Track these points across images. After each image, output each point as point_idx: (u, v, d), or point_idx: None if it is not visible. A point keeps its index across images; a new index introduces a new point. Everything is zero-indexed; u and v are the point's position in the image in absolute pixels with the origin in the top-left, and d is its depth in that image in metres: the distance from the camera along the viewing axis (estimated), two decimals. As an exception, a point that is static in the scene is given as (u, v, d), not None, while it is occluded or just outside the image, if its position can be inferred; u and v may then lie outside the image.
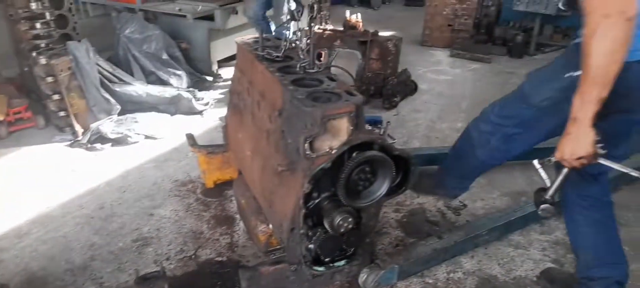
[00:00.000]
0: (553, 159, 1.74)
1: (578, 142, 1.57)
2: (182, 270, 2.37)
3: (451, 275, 2.36)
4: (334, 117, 1.70)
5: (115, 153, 3.44)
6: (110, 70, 3.67)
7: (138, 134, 3.51)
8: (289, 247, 1.90)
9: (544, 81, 1.90)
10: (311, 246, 1.90)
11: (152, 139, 3.61)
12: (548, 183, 1.84)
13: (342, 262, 2.03)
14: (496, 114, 2.15)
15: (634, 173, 1.71)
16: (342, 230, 1.82)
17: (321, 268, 2.00)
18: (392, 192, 1.93)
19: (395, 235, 2.65)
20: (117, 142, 3.48)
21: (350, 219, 1.82)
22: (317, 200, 1.86)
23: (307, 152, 1.71)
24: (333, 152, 1.74)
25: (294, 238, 1.88)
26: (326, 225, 1.84)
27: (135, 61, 3.96)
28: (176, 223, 2.71)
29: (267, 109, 2.04)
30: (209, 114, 4.06)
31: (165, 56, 4.12)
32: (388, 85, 4.35)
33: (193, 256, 2.46)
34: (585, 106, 1.52)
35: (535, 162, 1.85)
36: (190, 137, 2.89)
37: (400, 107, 4.42)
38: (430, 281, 2.32)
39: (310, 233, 1.89)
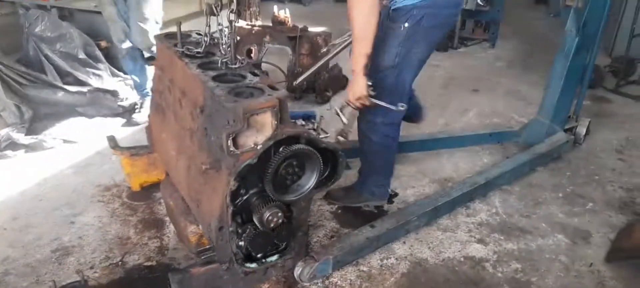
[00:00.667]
0: (344, 104, 2.44)
1: (357, 87, 2.22)
2: (108, 278, 2.24)
3: (384, 261, 2.42)
4: (257, 112, 1.67)
5: (30, 161, 3.19)
6: (19, 71, 3.39)
7: (54, 138, 3.27)
8: (219, 246, 1.85)
9: (384, 47, 2.29)
10: (241, 243, 1.87)
11: (71, 143, 3.38)
12: (346, 122, 2.50)
13: (275, 257, 2.02)
14: (372, 112, 2.42)
15: (392, 107, 2.28)
16: (272, 225, 1.80)
17: (253, 265, 1.97)
18: (321, 184, 1.93)
19: (330, 227, 2.67)
20: (31, 148, 3.23)
21: (279, 214, 1.80)
22: (245, 197, 1.82)
23: (231, 149, 1.67)
24: (258, 147, 1.72)
25: (223, 237, 1.83)
26: (256, 222, 1.81)
27: (48, 61, 3.68)
28: (100, 230, 2.56)
29: (188, 107, 1.97)
30: (134, 115, 3.87)
31: (82, 55, 3.86)
32: (320, 80, 4.37)
33: (120, 263, 2.34)
34: (357, 60, 2.16)
35: (335, 107, 2.55)
36: (111, 139, 2.73)
37: (333, 102, 4.45)
38: (365, 269, 2.36)
39: (240, 231, 1.85)
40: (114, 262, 2.35)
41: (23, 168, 3.09)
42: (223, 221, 1.79)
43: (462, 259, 2.46)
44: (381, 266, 2.39)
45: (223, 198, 1.74)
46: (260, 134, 1.72)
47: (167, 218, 2.62)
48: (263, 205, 1.79)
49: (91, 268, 2.30)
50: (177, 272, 2.03)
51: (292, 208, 1.95)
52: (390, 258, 2.45)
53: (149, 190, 2.84)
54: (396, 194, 3.00)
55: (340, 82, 4.73)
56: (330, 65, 4.67)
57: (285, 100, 1.77)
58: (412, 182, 3.15)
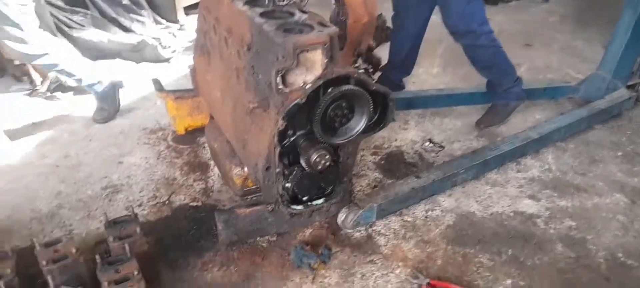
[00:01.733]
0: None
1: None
2: (155, 216, 2.29)
3: (429, 213, 2.36)
4: (307, 48, 1.60)
5: (77, 102, 3.26)
6: (67, 15, 3.42)
7: (101, 82, 3.31)
8: (265, 186, 1.83)
9: None
10: (288, 185, 1.84)
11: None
12: None
13: (320, 201, 1.99)
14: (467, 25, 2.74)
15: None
16: (319, 167, 1.76)
17: (299, 207, 1.95)
18: (370, 129, 1.87)
19: (373, 177, 2.62)
20: (79, 90, 3.29)
21: (327, 156, 1.76)
22: (292, 138, 1.78)
23: (280, 87, 1.62)
24: (307, 86, 1.66)
25: (270, 177, 1.81)
26: (303, 163, 1.77)
27: (93, 6, 3.70)
28: (147, 171, 2.61)
29: (235, 45, 1.91)
30: (177, 62, 3.88)
31: (126, 1, 3.86)
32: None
33: (167, 202, 2.38)
34: None
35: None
36: (156, 82, 2.74)
37: (376, 53, 4.31)
38: (409, 219, 2.31)
39: (286, 172, 1.83)
40: (161, 201, 2.39)
41: (72, 110, 3.17)
42: (270, 161, 1.76)
43: (511, 214, 2.37)
44: (426, 217, 2.34)
45: (271, 137, 1.71)
46: (309, 72, 1.66)
47: (212, 162, 2.64)
48: (311, 146, 1.74)
49: (139, 205, 2.36)
50: (223, 212, 2.04)
51: (339, 152, 1.90)
52: (435, 209, 2.39)
53: (193, 134, 2.86)
54: (442, 147, 2.90)
55: (384, 33, 4.56)
56: (374, 15, 4.51)
57: (336, 38, 1.69)
58: (459, 136, 3.03)
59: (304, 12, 1.85)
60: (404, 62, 3.18)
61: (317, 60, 1.65)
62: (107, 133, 2.95)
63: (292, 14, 1.82)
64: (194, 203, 2.38)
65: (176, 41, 4.04)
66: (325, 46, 1.62)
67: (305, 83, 1.66)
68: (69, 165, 2.64)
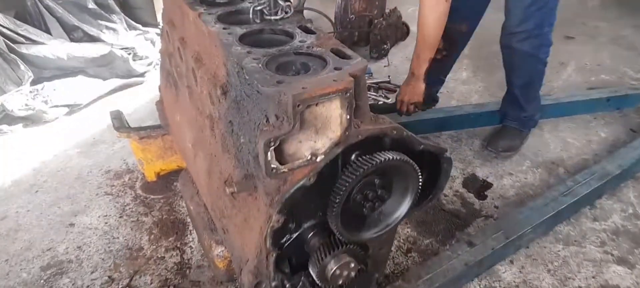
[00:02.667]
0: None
1: (414, 91, 2.18)
2: (109, 314, 1.66)
3: (486, 293, 1.72)
4: (318, 100, 0.94)
5: (28, 138, 2.62)
6: (13, 28, 2.77)
7: (57, 107, 2.68)
8: None
9: None
10: None
11: (77, 114, 2.78)
12: None
13: None
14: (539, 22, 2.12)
15: None
16: (340, 282, 1.12)
17: None
18: (415, 205, 1.21)
19: (404, 234, 1.97)
20: (30, 120, 2.66)
21: (352, 265, 1.11)
22: (295, 234, 1.13)
23: (273, 166, 0.96)
24: (318, 159, 1.00)
25: None
26: (314, 276, 1.12)
27: (50, 14, 3.04)
28: (105, 237, 1.98)
29: (206, 83, 1.26)
30: (154, 77, 3.22)
31: (92, 5, 3.20)
32: (376, 30, 3.56)
33: (126, 289, 1.75)
34: (421, 64, 2.08)
35: None
36: (116, 118, 2.09)
37: (392, 56, 3.65)
38: (460, 306, 1.67)
39: (288, 286, 1.18)
40: (119, 287, 1.76)
41: (20, 148, 2.53)
42: (261, 273, 1.12)
43: (597, 291, 1.73)
44: (483, 300, 1.70)
45: (261, 239, 1.06)
46: (320, 135, 1.01)
47: (190, 221, 2.00)
48: (326, 250, 1.09)
49: (89, 296, 1.73)
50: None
51: (368, 245, 1.25)
52: (495, 287, 1.74)
53: (168, 180, 2.22)
54: (489, 185, 2.25)
55: (399, 31, 3.89)
56: (388, 9, 3.83)
57: (363, 77, 1.03)
58: (509, 166, 2.37)
59: (308, 31, 1.19)
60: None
61: (333, 116, 0.99)
62: (60, 180, 2.31)
63: (290, 36, 1.16)
64: (164, 290, 1.75)
65: (155, 50, 3.38)
66: (346, 94, 0.97)
67: (314, 153, 1.01)
68: (3, 232, 2.00)
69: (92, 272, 1.82)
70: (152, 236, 1.98)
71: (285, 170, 0.98)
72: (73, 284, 1.77)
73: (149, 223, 2.04)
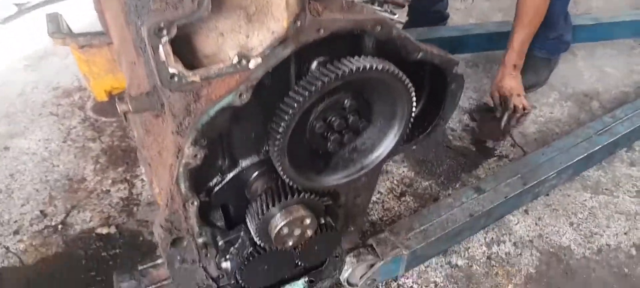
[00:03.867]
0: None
1: (515, 81, 1.84)
2: (35, 255, 1.38)
3: (494, 249, 1.40)
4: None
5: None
6: None
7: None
8: (172, 270, 0.87)
9: None
10: (226, 265, 0.87)
11: (27, 15, 2.40)
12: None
13: (299, 286, 1.02)
14: None
15: None
16: (290, 243, 0.79)
17: None
18: (405, 140, 0.85)
19: (399, 175, 1.64)
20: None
21: (307, 221, 0.77)
22: (230, 174, 0.79)
23: (173, 71, 0.60)
24: (251, 65, 0.64)
25: (178, 256, 0.84)
26: (252, 233, 0.79)
27: None
28: (43, 164, 1.67)
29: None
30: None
31: None
32: None
33: (60, 226, 1.46)
34: (523, 47, 1.83)
35: None
36: (51, 20, 1.70)
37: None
38: (461, 263, 1.37)
39: (222, 243, 0.85)
40: (52, 223, 1.47)
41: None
42: (178, 227, 0.79)
43: (633, 251, 1.40)
44: (489, 258, 1.38)
45: (172, 180, 0.72)
46: (255, 25, 0.63)
47: (142, 151, 1.68)
48: (269, 200, 0.75)
49: (15, 233, 1.44)
50: (126, 273, 1.11)
51: (339, 193, 0.90)
52: (503, 242, 1.43)
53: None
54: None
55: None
56: None
57: None
58: (532, 97, 1.99)
59: None
60: None
61: (276, -4, 0.61)
62: (0, 96, 1.97)
63: None
64: (105, 229, 1.45)
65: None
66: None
67: (244, 54, 0.64)
68: None
69: (22, 205, 1.52)
70: (98, 166, 1.66)
71: (195, 79, 0.61)
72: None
73: (96, 150, 1.72)
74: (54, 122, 1.85)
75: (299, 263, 0.90)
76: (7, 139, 1.77)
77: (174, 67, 0.60)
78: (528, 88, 1.93)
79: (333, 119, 0.72)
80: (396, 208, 1.53)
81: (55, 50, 2.23)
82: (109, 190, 1.58)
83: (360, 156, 0.79)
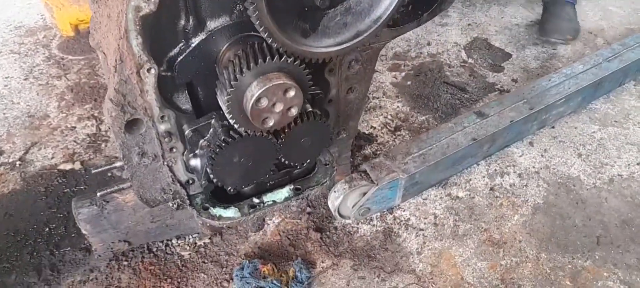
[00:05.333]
0: None
1: None
2: (-6, 192, 1.24)
3: (498, 180, 1.29)
4: None
5: None
6: None
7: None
8: (128, 165, 0.73)
9: None
10: (195, 163, 0.74)
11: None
12: None
13: (282, 194, 0.89)
14: None
15: None
16: (270, 123, 0.65)
17: (228, 214, 0.85)
18: (413, 16, 0.72)
19: (393, 110, 1.52)
20: None
21: (292, 93, 0.64)
22: (196, 40, 0.65)
23: None
24: None
25: (134, 143, 0.70)
26: (223, 109, 0.66)
27: None
28: (1, 101, 1.51)
29: None
30: None
31: None
32: None
33: (18, 163, 1.31)
34: None
35: None
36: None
37: None
38: (462, 194, 1.25)
39: (188, 132, 0.71)
40: (9, 160, 1.32)
41: None
42: (127, 97, 0.65)
43: (646, 181, 1.30)
44: (492, 189, 1.27)
45: (120, 29, 0.58)
46: None
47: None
48: (245, 62, 0.62)
49: (-31, 170, 1.29)
50: (86, 199, 0.97)
51: (327, 78, 0.77)
52: (508, 173, 1.31)
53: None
54: (507, 55, 1.76)
55: None
56: None
57: None
58: (534, 33, 1.87)
59: None
60: None
61: None
62: (-43, 34, 1.80)
63: None
64: (68, 165, 1.31)
65: None
66: None
67: None
68: None
69: (-22, 142, 1.37)
70: (64, 102, 1.51)
71: None
72: (-48, 155, 1.33)
73: (61, 87, 1.57)
74: (16, 60, 1.68)
75: (283, 160, 0.76)
76: (-35, 75, 1.61)
77: None
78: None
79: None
80: (390, 143, 1.40)
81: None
82: (74, 127, 1.43)
83: (355, 19, 0.65)
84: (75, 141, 1.38)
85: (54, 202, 1.21)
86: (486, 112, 1.27)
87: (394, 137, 1.42)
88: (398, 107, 1.53)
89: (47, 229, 1.14)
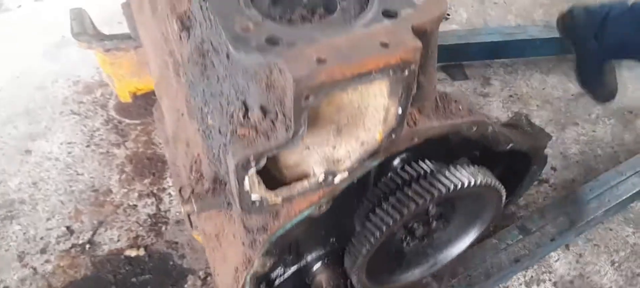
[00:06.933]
0: None
1: None
2: (63, 277, 1.34)
3: (534, 289, 1.36)
4: (346, 85, 0.48)
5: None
6: None
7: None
8: None
9: None
10: None
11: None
12: None
13: None
14: None
15: None
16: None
17: None
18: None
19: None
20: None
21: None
22: (293, 268, 0.73)
23: (255, 199, 0.53)
24: (337, 180, 0.56)
25: None
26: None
27: None
28: (67, 171, 1.60)
29: (165, 4, 0.77)
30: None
31: None
32: None
33: (87, 245, 1.42)
34: None
35: None
36: (75, 18, 1.60)
37: None
38: (499, 304, 1.33)
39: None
40: (80, 242, 1.42)
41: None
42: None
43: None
44: (529, 298, 1.35)
45: (237, 284, 0.66)
46: (345, 137, 0.55)
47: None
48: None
49: (42, 252, 1.40)
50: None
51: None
52: (543, 281, 1.38)
53: (148, 100, 1.79)
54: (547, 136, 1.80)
55: None
56: None
57: (437, 30, 0.55)
58: (574, 112, 1.90)
59: None
60: None
61: (370, 108, 0.53)
62: (18, 88, 1.88)
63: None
64: (133, 252, 1.41)
65: None
66: (401, 72, 0.50)
67: (330, 170, 0.56)
68: (-56, 155, 1.64)
69: (47, 219, 1.47)
70: (124, 175, 1.60)
71: (277, 201, 0.54)
72: (24, 233, 1.43)
73: (121, 157, 1.65)
74: (76, 122, 1.77)
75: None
76: (28, 140, 1.70)
77: (257, 193, 0.53)
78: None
79: (416, 226, 0.65)
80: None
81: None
82: (136, 205, 1.52)
83: (435, 251, 0.73)
84: (137, 222, 1.48)
85: (123, 292, 1.32)
86: (528, 227, 1.33)
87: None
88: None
89: (121, 324, 1.25)
